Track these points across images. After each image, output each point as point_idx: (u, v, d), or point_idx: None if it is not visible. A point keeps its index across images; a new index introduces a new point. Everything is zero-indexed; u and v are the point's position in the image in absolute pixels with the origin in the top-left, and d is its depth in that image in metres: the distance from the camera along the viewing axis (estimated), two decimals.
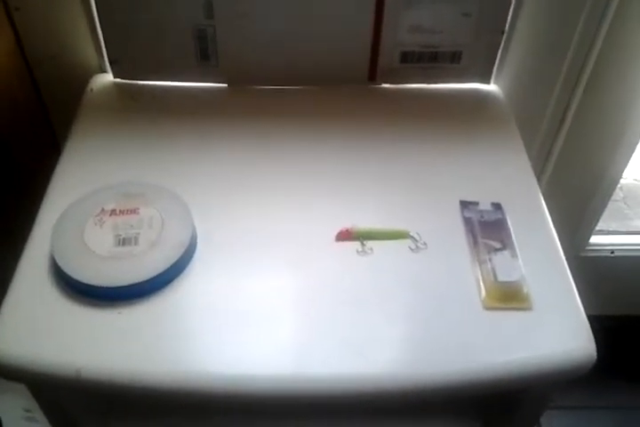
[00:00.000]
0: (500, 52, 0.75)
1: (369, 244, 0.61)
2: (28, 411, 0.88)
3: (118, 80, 0.77)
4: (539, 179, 0.89)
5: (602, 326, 1.07)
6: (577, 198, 0.93)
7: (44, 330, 0.54)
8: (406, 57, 0.74)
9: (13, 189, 0.78)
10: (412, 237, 0.61)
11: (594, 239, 1.00)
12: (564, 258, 0.61)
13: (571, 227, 0.96)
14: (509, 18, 0.71)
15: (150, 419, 0.72)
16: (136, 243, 0.58)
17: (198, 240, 0.61)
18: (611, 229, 1.01)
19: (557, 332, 0.55)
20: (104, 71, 0.78)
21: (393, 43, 0.72)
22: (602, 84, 0.79)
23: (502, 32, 0.72)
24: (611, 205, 0.97)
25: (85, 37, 0.76)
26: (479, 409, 0.69)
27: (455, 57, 0.74)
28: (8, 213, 0.76)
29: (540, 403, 0.62)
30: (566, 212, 0.93)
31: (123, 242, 0.58)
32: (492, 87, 0.78)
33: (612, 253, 1.01)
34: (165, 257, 0.58)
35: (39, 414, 0.76)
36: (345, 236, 0.61)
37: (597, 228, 0.98)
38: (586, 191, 0.92)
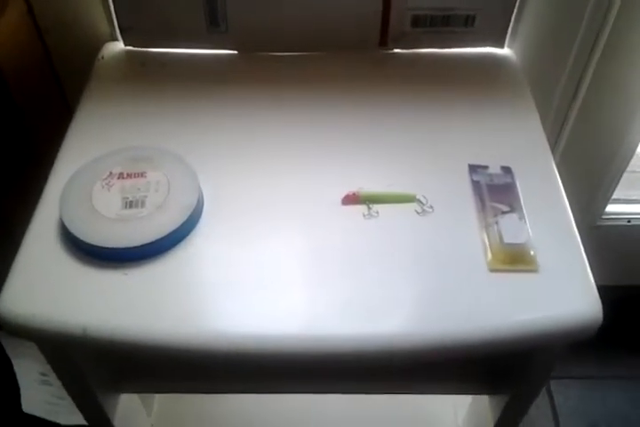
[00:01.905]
0: (514, 15, 0.73)
1: (375, 207, 0.60)
2: (44, 375, 0.90)
3: (129, 48, 0.77)
4: (554, 146, 0.88)
5: (619, 296, 1.07)
6: (593, 166, 0.91)
7: (52, 290, 0.55)
8: (418, 21, 0.73)
9: (27, 155, 0.79)
10: (418, 200, 0.61)
11: (610, 208, 0.98)
12: (573, 222, 0.60)
13: (587, 195, 0.94)
14: None
15: (161, 381, 0.73)
16: (143, 206, 0.59)
17: (205, 203, 0.61)
18: (628, 198, 0.99)
19: (564, 294, 0.55)
20: (115, 39, 0.78)
21: (404, 6, 0.71)
22: (620, 48, 0.77)
23: None
24: (628, 175, 0.95)
25: (96, 5, 0.75)
26: (487, 373, 0.69)
27: (468, 20, 0.73)
28: (22, 178, 0.77)
29: (547, 366, 0.62)
30: (582, 180, 0.92)
31: (130, 205, 0.59)
32: (506, 51, 0.76)
33: (629, 222, 0.99)
34: (171, 220, 0.58)
35: (54, 378, 0.78)
36: (351, 199, 0.61)
37: (614, 197, 0.97)
38: (602, 159, 0.90)
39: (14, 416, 0.89)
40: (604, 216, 0.99)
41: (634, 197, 1.01)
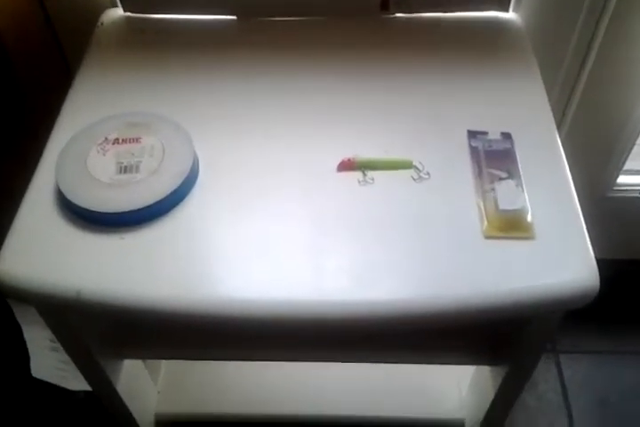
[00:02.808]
0: None
1: (370, 174, 0.60)
2: (53, 341, 0.91)
3: (128, 14, 0.77)
4: (562, 115, 0.86)
5: (632, 269, 1.05)
6: (603, 137, 0.89)
7: (48, 253, 0.56)
8: None
9: (27, 121, 0.79)
10: (415, 166, 0.60)
11: (621, 179, 0.96)
12: (573, 190, 0.59)
13: (597, 166, 0.92)
14: None
15: (163, 347, 0.74)
16: (137, 171, 0.59)
17: (201, 169, 0.61)
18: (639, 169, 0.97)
19: (560, 262, 0.54)
20: (115, 5, 0.77)
21: None
22: (629, 12, 0.74)
23: None
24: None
25: None
26: (486, 343, 0.69)
27: None
28: (22, 142, 0.77)
29: (544, 335, 0.61)
30: (592, 151, 0.90)
31: (124, 170, 0.59)
32: (510, 15, 0.74)
33: None
34: (165, 185, 0.58)
35: None
36: (346, 166, 0.60)
37: (625, 167, 0.94)
38: (612, 129, 0.88)
39: (23, 382, 0.90)
40: (616, 187, 0.96)
41: None
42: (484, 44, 0.72)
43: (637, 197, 0.97)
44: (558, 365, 1.07)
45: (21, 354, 0.90)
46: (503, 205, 0.55)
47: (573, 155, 0.63)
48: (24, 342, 0.91)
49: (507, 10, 0.73)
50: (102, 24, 0.76)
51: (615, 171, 0.94)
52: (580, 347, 1.09)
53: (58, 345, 0.92)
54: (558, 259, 0.54)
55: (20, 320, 0.91)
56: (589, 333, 1.07)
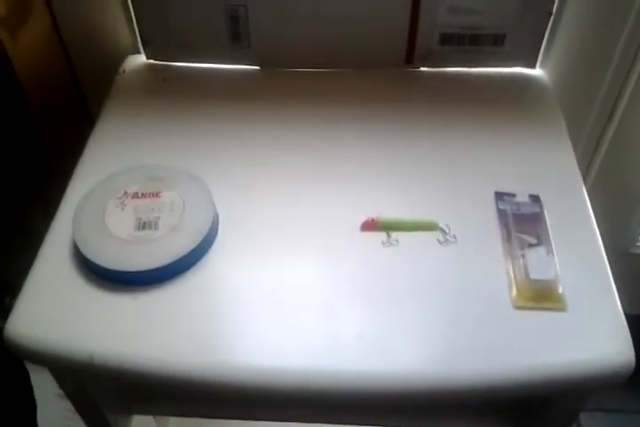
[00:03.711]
0: (547, 35, 0.70)
1: (395, 235, 0.58)
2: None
3: (151, 61, 0.77)
4: (586, 172, 0.84)
5: None
6: (627, 193, 0.88)
7: (61, 313, 0.54)
8: (446, 39, 0.70)
9: (46, 169, 0.79)
10: (441, 228, 0.58)
11: None
12: (605, 257, 0.57)
13: (620, 222, 0.90)
14: None
15: (174, 405, 0.72)
16: (156, 227, 0.57)
17: (220, 226, 0.59)
18: None
19: (592, 336, 0.51)
20: (137, 52, 0.77)
21: (431, 24, 0.69)
22: None
23: (549, 14, 0.68)
24: None
25: (119, 19, 0.75)
26: (511, 413, 0.66)
27: (498, 40, 0.70)
28: (43, 189, 0.76)
29: (574, 409, 0.59)
30: (615, 206, 0.88)
31: (143, 226, 0.57)
32: (537, 72, 0.73)
33: None
34: (184, 243, 0.56)
35: None
36: (370, 226, 0.59)
37: None
38: (635, 186, 0.86)
39: None
40: (639, 243, 0.95)
41: None
42: (511, 101, 0.71)
43: None
44: (578, 424, 1.04)
45: (28, 402, 0.88)
46: (534, 275, 0.54)
47: (596, 210, 0.61)
48: (31, 389, 0.89)
49: (534, 66, 0.73)
50: (124, 71, 0.76)
51: (638, 227, 0.92)
52: (602, 405, 1.05)
53: None
54: (591, 333, 0.52)
55: (27, 366, 0.89)
56: (611, 390, 1.03)
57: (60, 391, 0.90)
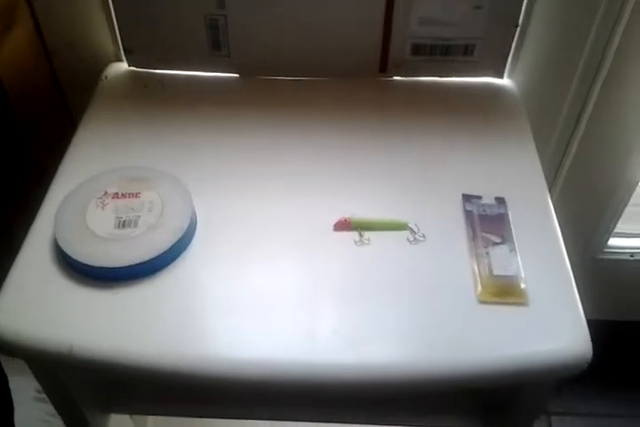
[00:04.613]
0: (514, 45, 0.73)
1: (367, 234, 0.60)
2: (39, 392, 0.89)
3: (133, 68, 0.79)
4: (555, 178, 0.87)
5: (623, 330, 1.05)
6: (594, 199, 0.91)
7: (42, 307, 0.56)
8: (418, 49, 0.73)
9: (29, 172, 0.80)
10: (410, 228, 0.61)
11: (613, 242, 0.97)
12: (565, 255, 0.59)
13: (588, 228, 0.93)
14: (523, 11, 0.70)
15: (152, 403, 0.73)
16: (135, 225, 0.59)
17: (198, 225, 0.61)
18: (631, 232, 0.98)
19: (553, 329, 0.54)
20: (119, 60, 0.79)
21: (404, 35, 0.72)
22: (620, 80, 0.77)
23: (516, 25, 0.71)
24: (633, 208, 0.94)
25: (102, 27, 0.77)
26: (476, 407, 0.68)
27: (468, 50, 0.73)
28: (26, 190, 0.78)
29: (538, 401, 0.61)
30: (583, 213, 0.91)
31: (123, 224, 0.59)
32: (505, 82, 0.76)
33: (632, 256, 0.98)
34: (162, 240, 0.58)
35: None
36: (343, 225, 0.61)
37: (618, 230, 0.96)
38: (604, 192, 0.90)
39: None
40: (607, 249, 0.98)
41: (638, 232, 1.00)
42: (480, 109, 0.74)
43: (629, 260, 0.98)
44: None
45: (6, 405, 0.88)
46: (497, 271, 0.56)
47: (565, 217, 0.64)
48: (9, 393, 0.89)
49: (502, 76, 0.76)
50: (106, 77, 0.78)
51: (606, 233, 0.95)
52: (573, 409, 1.07)
53: (44, 396, 0.90)
54: (551, 327, 0.54)
55: (6, 369, 0.89)
56: (582, 394, 1.05)
57: (39, 395, 0.91)
